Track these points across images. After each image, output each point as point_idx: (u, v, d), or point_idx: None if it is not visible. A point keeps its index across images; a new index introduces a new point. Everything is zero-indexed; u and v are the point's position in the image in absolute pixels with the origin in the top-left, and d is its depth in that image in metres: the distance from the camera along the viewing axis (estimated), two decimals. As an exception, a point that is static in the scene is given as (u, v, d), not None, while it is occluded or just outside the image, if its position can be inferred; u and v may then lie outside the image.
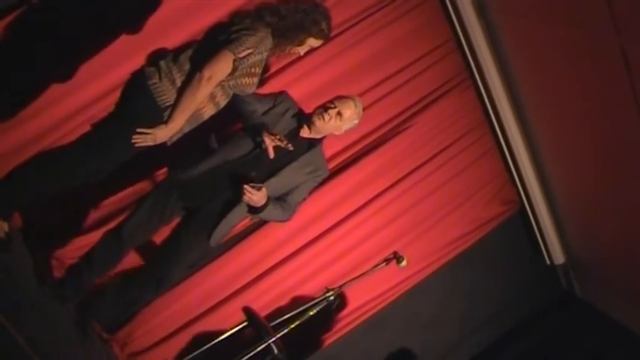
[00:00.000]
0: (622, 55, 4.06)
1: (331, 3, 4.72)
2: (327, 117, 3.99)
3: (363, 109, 4.94)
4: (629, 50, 4.01)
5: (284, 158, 3.99)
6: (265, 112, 4.06)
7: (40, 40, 4.01)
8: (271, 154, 3.82)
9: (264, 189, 3.82)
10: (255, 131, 3.90)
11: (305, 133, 4.10)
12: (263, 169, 4.01)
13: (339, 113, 4.00)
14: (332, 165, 5.06)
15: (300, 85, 4.69)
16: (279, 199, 4.04)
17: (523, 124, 5.44)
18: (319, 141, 4.15)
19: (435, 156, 5.39)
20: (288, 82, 4.63)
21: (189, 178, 4.01)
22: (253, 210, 3.94)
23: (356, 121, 4.15)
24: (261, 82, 4.20)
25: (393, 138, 5.20)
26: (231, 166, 4.01)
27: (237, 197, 3.93)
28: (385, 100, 5.15)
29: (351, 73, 4.94)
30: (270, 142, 3.82)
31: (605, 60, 4.23)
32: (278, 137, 3.81)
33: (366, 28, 4.94)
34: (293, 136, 4.05)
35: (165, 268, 4.18)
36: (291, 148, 3.81)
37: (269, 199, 3.91)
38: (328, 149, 4.95)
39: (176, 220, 4.20)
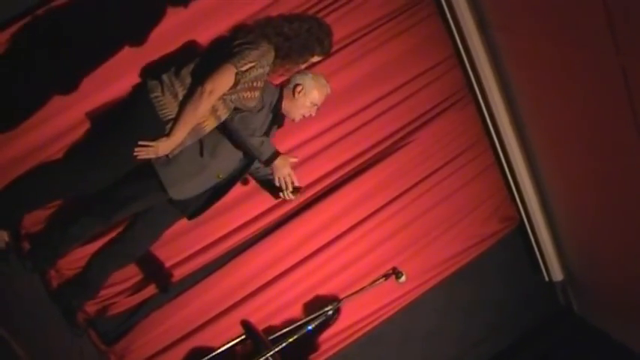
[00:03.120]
0: (622, 73, 4.08)
1: (332, 19, 4.75)
2: (307, 116, 4.27)
3: (365, 124, 5.04)
4: (629, 69, 4.02)
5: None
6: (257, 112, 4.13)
7: (43, 51, 4.02)
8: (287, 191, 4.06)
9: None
10: (268, 163, 4.05)
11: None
12: (246, 161, 4.20)
13: (317, 109, 4.27)
14: (332, 180, 5.10)
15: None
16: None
17: (523, 141, 5.45)
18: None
19: (434, 172, 5.39)
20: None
21: (183, 194, 4.10)
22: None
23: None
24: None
25: (394, 153, 5.20)
26: (225, 179, 4.17)
27: (228, 184, 4.25)
28: (386, 115, 5.15)
29: (352, 88, 4.95)
30: (282, 179, 4.04)
31: (605, 78, 4.25)
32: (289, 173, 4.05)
33: (367, 43, 4.96)
34: (276, 119, 4.25)
35: (141, 244, 4.45)
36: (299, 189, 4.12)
37: None
38: (330, 162, 5.04)
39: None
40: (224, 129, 4.02)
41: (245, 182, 4.60)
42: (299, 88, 4.21)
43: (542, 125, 5.23)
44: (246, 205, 4.83)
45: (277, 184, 4.02)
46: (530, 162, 5.55)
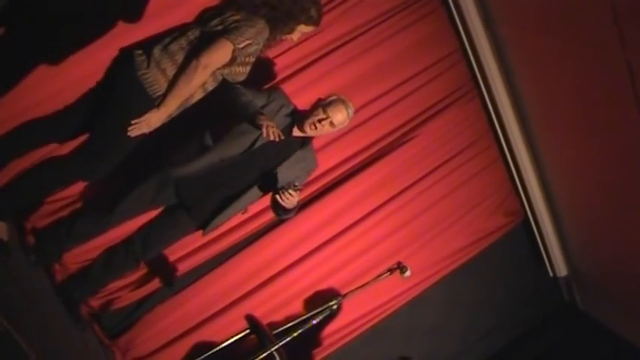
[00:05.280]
0: (627, 68, 4.07)
1: (338, 12, 4.76)
2: (319, 127, 4.06)
3: (369, 119, 5.01)
4: (634, 64, 4.02)
5: (279, 156, 4.08)
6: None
7: (34, 20, 4.01)
8: (272, 137, 3.76)
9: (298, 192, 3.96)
10: (252, 120, 3.88)
11: (297, 133, 4.17)
12: (259, 167, 4.12)
13: (331, 123, 4.05)
14: (337, 174, 5.11)
15: (305, 93, 4.69)
16: None
17: (528, 135, 5.45)
18: (310, 137, 4.25)
19: (439, 166, 5.39)
20: (294, 91, 4.62)
21: (186, 176, 4.06)
22: (284, 211, 4.07)
23: (346, 123, 4.18)
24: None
25: (398, 148, 5.21)
26: (227, 165, 4.08)
27: (237, 194, 4.11)
28: (391, 109, 5.16)
29: (357, 82, 4.96)
30: (267, 127, 3.77)
31: (610, 73, 4.25)
32: (273, 125, 3.80)
33: (373, 37, 4.98)
34: (286, 134, 4.10)
35: (149, 248, 4.35)
36: (282, 137, 3.81)
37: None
38: (334, 157, 5.04)
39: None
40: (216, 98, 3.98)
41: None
42: (315, 102, 4.18)
43: (547, 120, 5.23)
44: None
45: (264, 134, 3.77)
46: (534, 157, 5.54)
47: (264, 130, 3.74)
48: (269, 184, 4.13)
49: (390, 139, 5.23)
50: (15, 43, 3.99)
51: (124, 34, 4.11)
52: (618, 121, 4.43)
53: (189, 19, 4.17)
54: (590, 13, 4.10)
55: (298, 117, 4.17)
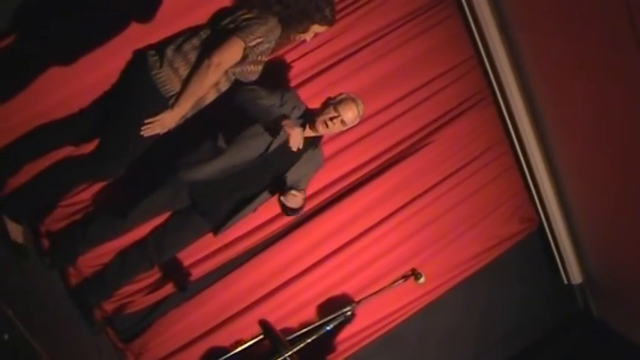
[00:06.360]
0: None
1: (353, 18, 4.76)
2: (330, 126, 4.08)
3: (385, 124, 5.00)
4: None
5: (291, 158, 4.11)
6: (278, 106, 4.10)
7: (47, 22, 4.04)
8: (295, 147, 3.80)
9: (304, 191, 4.02)
10: (276, 125, 3.87)
11: (309, 133, 4.18)
12: (272, 170, 4.16)
13: (342, 121, 4.08)
14: (352, 179, 5.10)
15: (321, 98, 4.66)
16: None
17: (543, 142, 5.42)
18: (320, 137, 4.29)
19: (454, 173, 5.37)
20: (310, 95, 4.63)
21: (200, 180, 4.08)
22: (291, 211, 4.10)
23: (357, 121, 4.20)
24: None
25: (414, 154, 5.19)
26: (241, 169, 4.10)
27: (251, 197, 4.19)
28: (406, 115, 5.15)
29: (373, 87, 4.95)
30: (294, 136, 3.77)
31: (628, 78, 4.22)
32: (300, 132, 3.84)
33: (388, 43, 4.97)
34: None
35: (163, 250, 4.39)
36: (301, 147, 3.86)
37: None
38: (349, 162, 5.04)
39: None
40: (233, 99, 4.00)
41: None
42: (324, 101, 4.18)
43: (563, 125, 5.20)
44: (264, 205, 4.81)
45: (290, 143, 3.78)
46: (550, 163, 5.52)
47: (291, 139, 3.77)
48: (277, 185, 4.18)
49: (405, 145, 5.21)
50: (30, 47, 4.01)
51: (139, 38, 4.12)
52: (635, 124, 4.40)
53: (204, 21, 4.19)
54: (606, 16, 4.08)
55: (309, 117, 4.19)
